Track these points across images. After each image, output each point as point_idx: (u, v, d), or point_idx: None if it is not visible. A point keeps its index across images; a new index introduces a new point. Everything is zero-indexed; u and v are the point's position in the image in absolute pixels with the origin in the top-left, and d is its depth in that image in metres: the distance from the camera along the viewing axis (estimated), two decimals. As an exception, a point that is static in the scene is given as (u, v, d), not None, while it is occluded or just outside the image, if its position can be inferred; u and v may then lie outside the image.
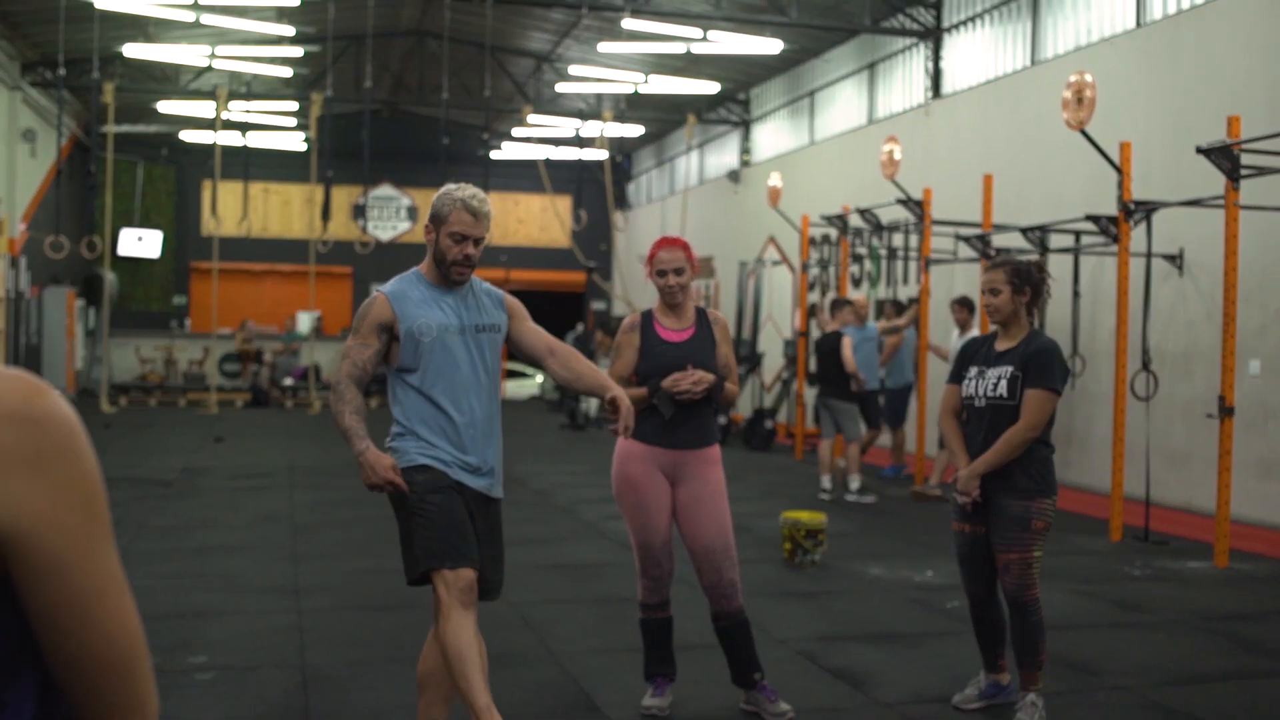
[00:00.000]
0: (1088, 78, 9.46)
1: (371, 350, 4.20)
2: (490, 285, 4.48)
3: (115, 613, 1.21)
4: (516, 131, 26.06)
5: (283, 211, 29.18)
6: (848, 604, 7.35)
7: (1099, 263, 12.32)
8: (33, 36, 19.30)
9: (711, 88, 22.11)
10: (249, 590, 7.41)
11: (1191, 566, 8.67)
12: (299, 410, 22.19)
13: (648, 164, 30.22)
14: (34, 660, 1.20)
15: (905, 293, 15.83)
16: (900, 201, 12.79)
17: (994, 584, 5.17)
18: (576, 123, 23.27)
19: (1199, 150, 8.64)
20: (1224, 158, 8.50)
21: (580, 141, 23.31)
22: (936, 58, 16.64)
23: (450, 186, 4.32)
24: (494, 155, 25.55)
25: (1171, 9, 12.11)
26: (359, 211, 26.56)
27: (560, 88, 23.38)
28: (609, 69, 21.59)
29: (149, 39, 19.72)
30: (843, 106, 19.71)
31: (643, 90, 22.64)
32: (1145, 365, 10.13)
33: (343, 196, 26.60)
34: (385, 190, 29.23)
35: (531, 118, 22.53)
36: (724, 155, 25.07)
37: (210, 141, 21.63)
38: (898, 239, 15.41)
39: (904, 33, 16.96)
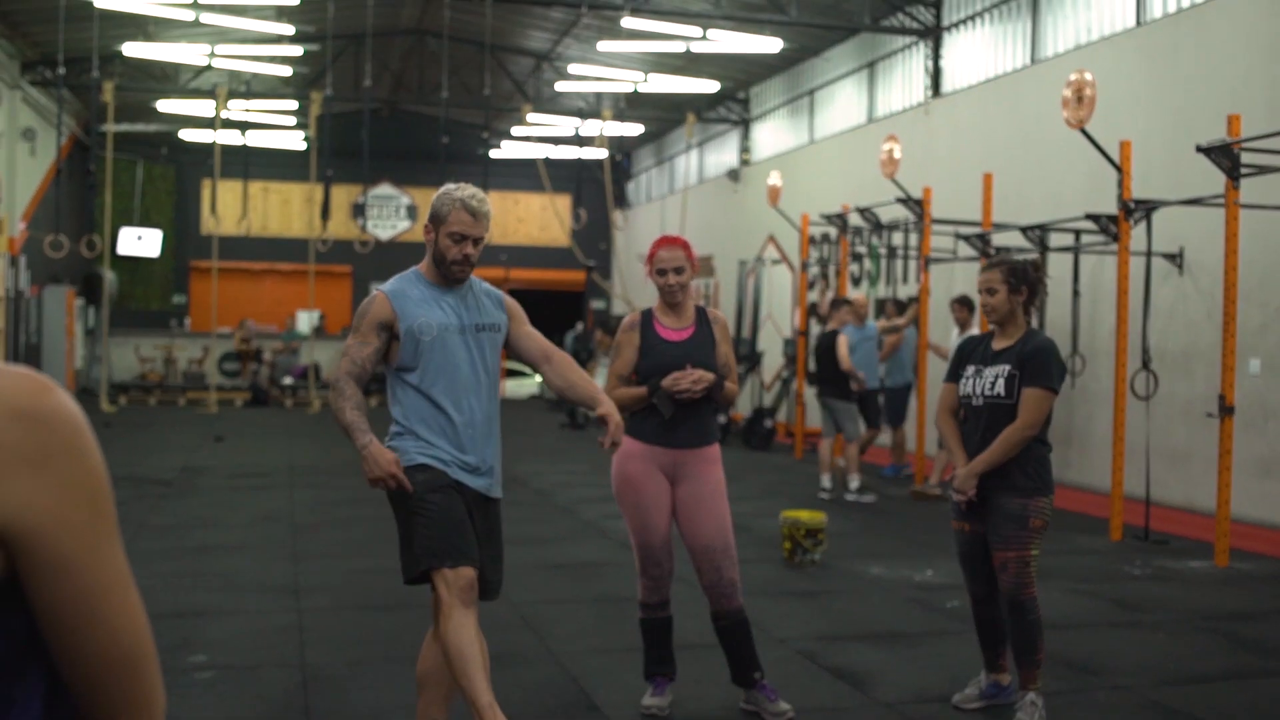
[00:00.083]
0: (1088, 76, 9.46)
1: (371, 348, 4.20)
2: (489, 285, 4.48)
3: (122, 610, 1.21)
4: (516, 130, 26.06)
5: (282, 210, 29.18)
6: (848, 603, 7.35)
7: (1099, 262, 12.32)
8: (32, 35, 19.29)
9: (711, 86, 22.11)
10: (249, 589, 7.41)
11: (1192, 566, 8.67)
12: (299, 409, 22.19)
13: (647, 163, 30.22)
14: (41, 658, 1.21)
15: (905, 292, 15.82)
16: (900, 200, 12.78)
17: (995, 583, 5.17)
18: (576, 122, 23.27)
19: (1199, 149, 8.64)
20: (1224, 156, 8.50)
21: (580, 140, 23.30)
22: (936, 56, 16.63)
23: (449, 186, 4.32)
24: (493, 154, 25.56)
25: (1171, 8, 12.10)
26: (358, 210, 26.57)
27: (560, 86, 23.37)
28: (608, 68, 21.59)
29: (149, 38, 19.72)
30: (842, 105, 19.70)
31: (642, 89, 22.64)
32: (1145, 364, 10.13)
33: (342, 195, 26.60)
34: (385, 189, 29.22)
35: (531, 117, 22.52)
36: (724, 154, 25.07)
37: (210, 140, 21.64)
38: (897, 238, 15.40)
39: (904, 31, 16.96)
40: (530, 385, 28.03)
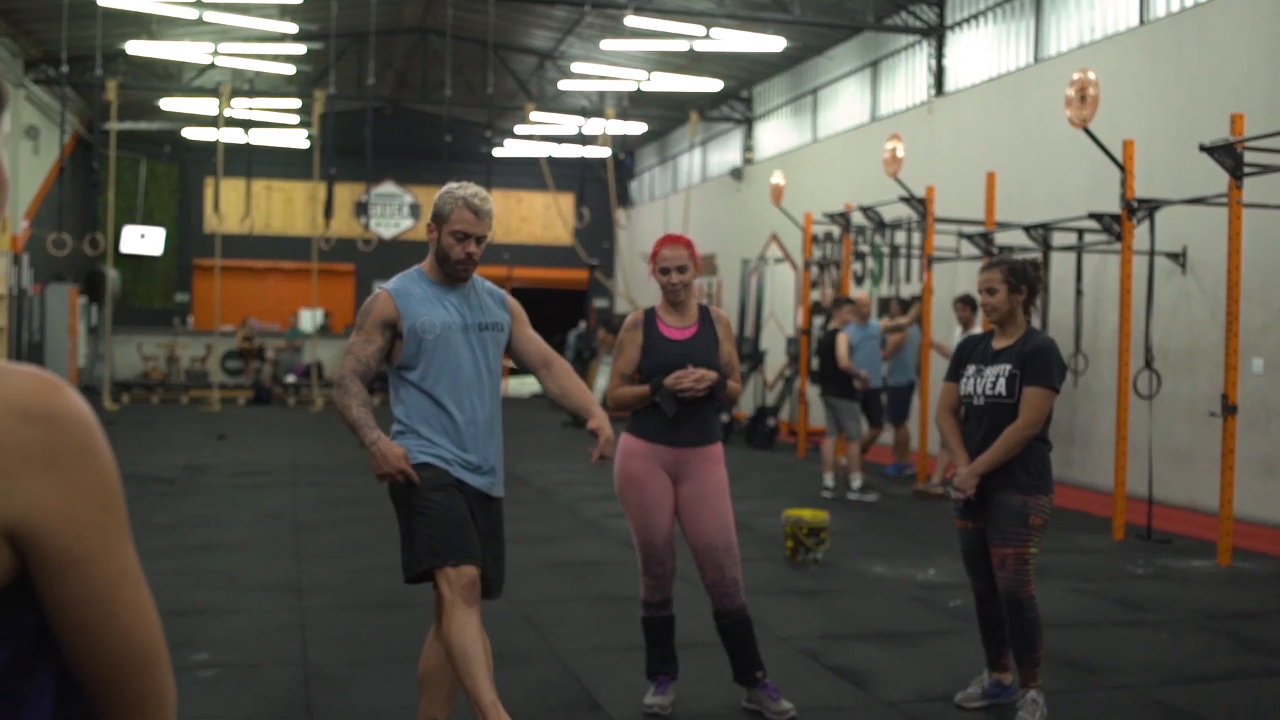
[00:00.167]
0: (1091, 75, 9.45)
1: (375, 346, 4.20)
2: (492, 284, 4.47)
3: (133, 608, 1.23)
4: (519, 129, 26.07)
5: (285, 209, 29.21)
6: (850, 602, 7.35)
7: (1102, 261, 12.31)
8: (36, 34, 19.31)
9: (714, 85, 22.10)
10: (251, 588, 7.41)
11: (1194, 565, 8.67)
12: (301, 408, 22.21)
13: (650, 161, 30.22)
14: (52, 655, 1.21)
15: (908, 291, 15.82)
16: (903, 199, 12.78)
17: (997, 581, 5.18)
18: (579, 120, 23.26)
19: (1202, 148, 8.63)
20: (1227, 155, 8.49)
21: (583, 139, 23.30)
22: (939, 55, 16.63)
23: (452, 185, 4.31)
24: (497, 153, 25.55)
25: (1175, 7, 12.09)
26: (361, 209, 26.58)
27: (563, 85, 23.36)
28: (612, 66, 21.58)
29: (152, 36, 19.73)
30: (845, 104, 19.70)
31: (645, 88, 22.63)
32: (1148, 363, 10.12)
33: (345, 194, 26.60)
34: (388, 188, 29.22)
35: (534, 115, 22.52)
36: (727, 153, 25.06)
37: (213, 139, 21.66)
38: (900, 237, 15.39)
39: (907, 30, 16.95)
40: (532, 384, 28.03)
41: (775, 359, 19.38)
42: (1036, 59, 14.39)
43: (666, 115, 25.52)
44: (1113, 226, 10.16)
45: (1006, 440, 4.97)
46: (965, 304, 11.49)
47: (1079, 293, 12.18)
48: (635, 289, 26.05)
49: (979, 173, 12.89)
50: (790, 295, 19.64)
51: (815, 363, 12.46)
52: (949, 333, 13.69)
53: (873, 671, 5.78)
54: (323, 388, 22.26)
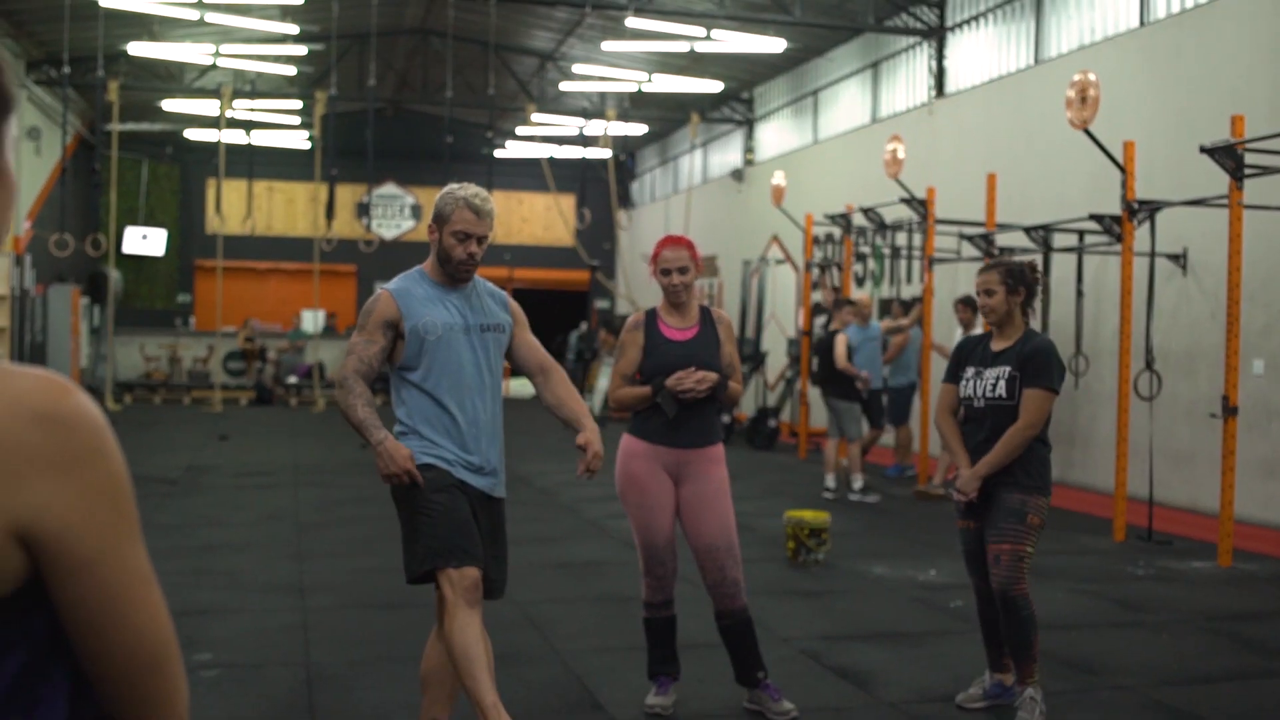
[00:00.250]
0: (1091, 77, 9.46)
1: (378, 347, 4.20)
2: (493, 286, 4.48)
3: (145, 609, 1.23)
4: (520, 130, 26.08)
5: (287, 210, 29.22)
6: (851, 603, 7.36)
7: (1102, 262, 12.32)
8: (38, 35, 19.32)
9: (715, 86, 22.11)
10: (253, 588, 7.43)
11: (1195, 566, 8.67)
12: (303, 408, 22.23)
13: (651, 163, 30.23)
14: (65, 656, 1.22)
15: (909, 292, 15.83)
16: (904, 200, 12.79)
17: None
18: (580, 121, 23.28)
19: (1203, 149, 8.64)
20: (1228, 157, 8.50)
21: (584, 140, 23.31)
22: (940, 57, 16.64)
23: (453, 186, 4.32)
24: (498, 154, 25.57)
25: (1175, 8, 12.11)
26: (363, 210, 26.58)
27: (564, 86, 23.37)
28: (613, 68, 21.59)
29: (154, 37, 19.75)
30: (846, 105, 19.71)
31: (646, 89, 22.64)
32: (1149, 365, 10.13)
33: (347, 195, 26.61)
34: (389, 189, 29.24)
35: (535, 116, 22.54)
36: (728, 154, 25.07)
37: (215, 140, 21.68)
38: (901, 238, 15.40)
39: (907, 31, 16.96)
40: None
41: (776, 360, 19.40)
42: (1037, 60, 14.40)
43: (667, 116, 25.53)
44: (1113, 228, 10.16)
45: (1008, 442, 4.99)
46: (966, 305, 11.50)
47: (1079, 294, 12.19)
48: (636, 290, 26.06)
49: (979, 174, 12.91)
50: (791, 296, 19.65)
51: (815, 363, 12.46)
52: (950, 334, 13.70)
53: (874, 672, 5.79)
54: (324, 388, 22.27)
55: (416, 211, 29.48)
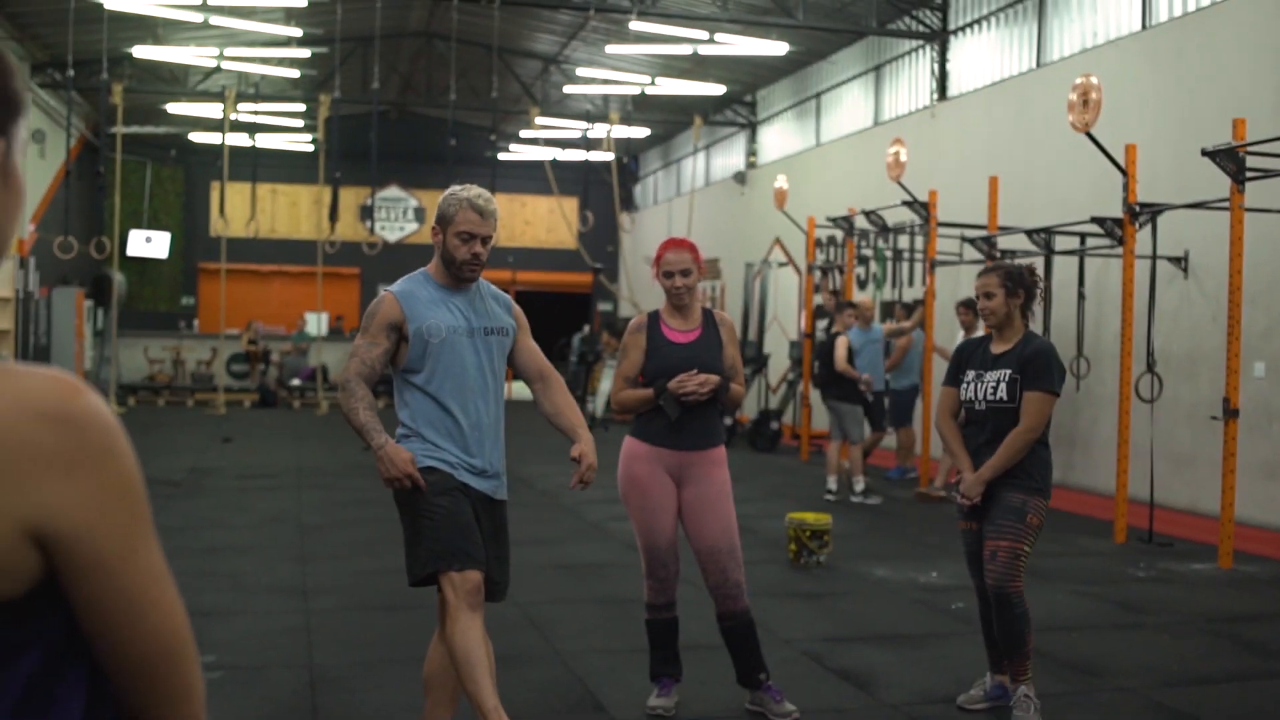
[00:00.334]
0: (1093, 80, 9.48)
1: (381, 349, 4.20)
2: (497, 289, 4.49)
3: (160, 606, 1.24)
4: (524, 133, 26.10)
5: (290, 212, 29.26)
6: (853, 605, 7.38)
7: (1104, 265, 12.33)
8: (42, 38, 19.37)
9: (718, 90, 22.13)
10: (256, 590, 7.44)
11: (1196, 568, 8.69)
12: (306, 411, 22.25)
13: (654, 165, 30.25)
14: (81, 655, 1.23)
15: (911, 295, 15.84)
16: (906, 203, 12.80)
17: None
18: (583, 124, 23.30)
19: (1204, 152, 8.65)
20: (1229, 160, 8.51)
21: (587, 143, 23.34)
22: (942, 60, 16.66)
23: (455, 187, 4.31)
24: (501, 157, 25.59)
25: (1177, 11, 12.13)
26: (366, 213, 26.62)
27: (567, 89, 23.40)
28: (616, 71, 21.62)
29: (158, 40, 19.78)
30: (849, 108, 19.73)
31: (649, 92, 22.66)
32: (1150, 367, 10.14)
33: (350, 198, 26.62)
34: (393, 191, 29.28)
35: (539, 119, 22.56)
36: (730, 157, 25.09)
37: (218, 142, 21.72)
38: (903, 241, 15.42)
39: (910, 35, 16.98)
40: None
41: (779, 363, 19.41)
42: (1039, 63, 14.42)
43: (670, 119, 25.56)
44: (1115, 231, 10.17)
45: (1010, 445, 5.01)
46: (968, 308, 11.50)
47: (1081, 297, 12.19)
48: (639, 292, 26.07)
49: (981, 177, 12.92)
50: (794, 299, 19.66)
51: (816, 366, 12.47)
52: (951, 337, 13.70)
53: (875, 673, 5.81)
54: (328, 391, 22.30)
55: (420, 214, 29.52)
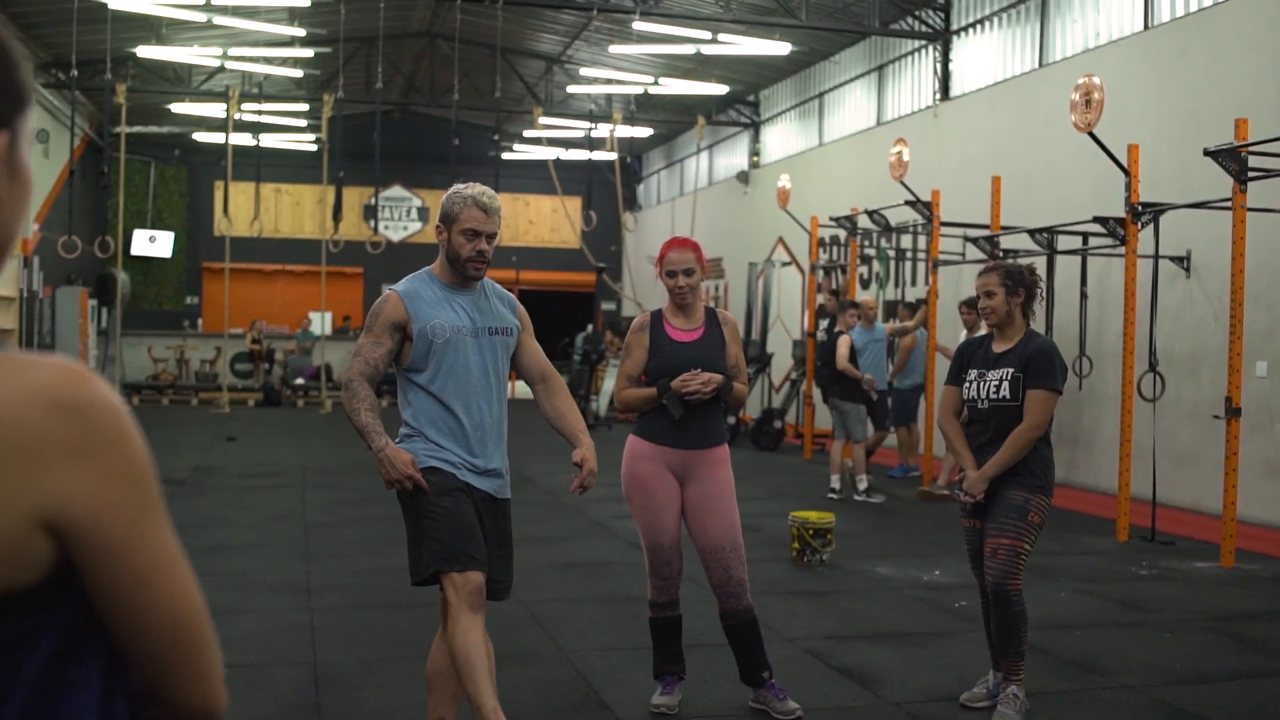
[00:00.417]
0: (1096, 80, 9.49)
1: (384, 349, 4.19)
2: (502, 288, 4.49)
3: (175, 587, 1.26)
4: (527, 133, 26.10)
5: (294, 212, 29.30)
6: (856, 603, 7.39)
7: (1106, 264, 12.34)
8: (45, 38, 19.39)
9: (721, 89, 22.14)
10: (260, 589, 7.46)
11: (1198, 566, 8.70)
12: (311, 410, 22.27)
13: (657, 165, 30.26)
14: (96, 639, 1.25)
15: (913, 294, 15.86)
16: (909, 203, 12.81)
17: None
18: (587, 124, 23.32)
19: (1206, 152, 8.67)
20: (1231, 160, 8.53)
21: (590, 143, 23.35)
22: (945, 60, 16.67)
23: (459, 186, 4.31)
24: (504, 156, 25.60)
25: (1179, 11, 12.14)
26: (370, 212, 26.64)
27: (571, 89, 23.42)
28: (619, 71, 21.63)
29: (161, 40, 19.81)
30: (852, 108, 19.74)
31: (653, 92, 22.68)
32: (1152, 366, 10.15)
33: (354, 197, 26.66)
34: (396, 191, 29.31)
35: (542, 119, 22.58)
36: (733, 157, 25.10)
37: (222, 142, 21.75)
38: (906, 240, 15.43)
39: (913, 35, 16.99)
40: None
41: (782, 362, 19.42)
42: (1041, 63, 14.43)
43: (673, 119, 25.57)
44: (1117, 230, 10.18)
45: (1013, 443, 5.03)
46: (970, 308, 11.51)
47: (1084, 296, 12.20)
48: (642, 292, 26.09)
49: (984, 176, 12.93)
50: (797, 298, 19.68)
51: (818, 365, 12.48)
52: (954, 336, 13.72)
53: (878, 672, 5.82)
54: (332, 390, 22.32)
55: (423, 214, 29.56)
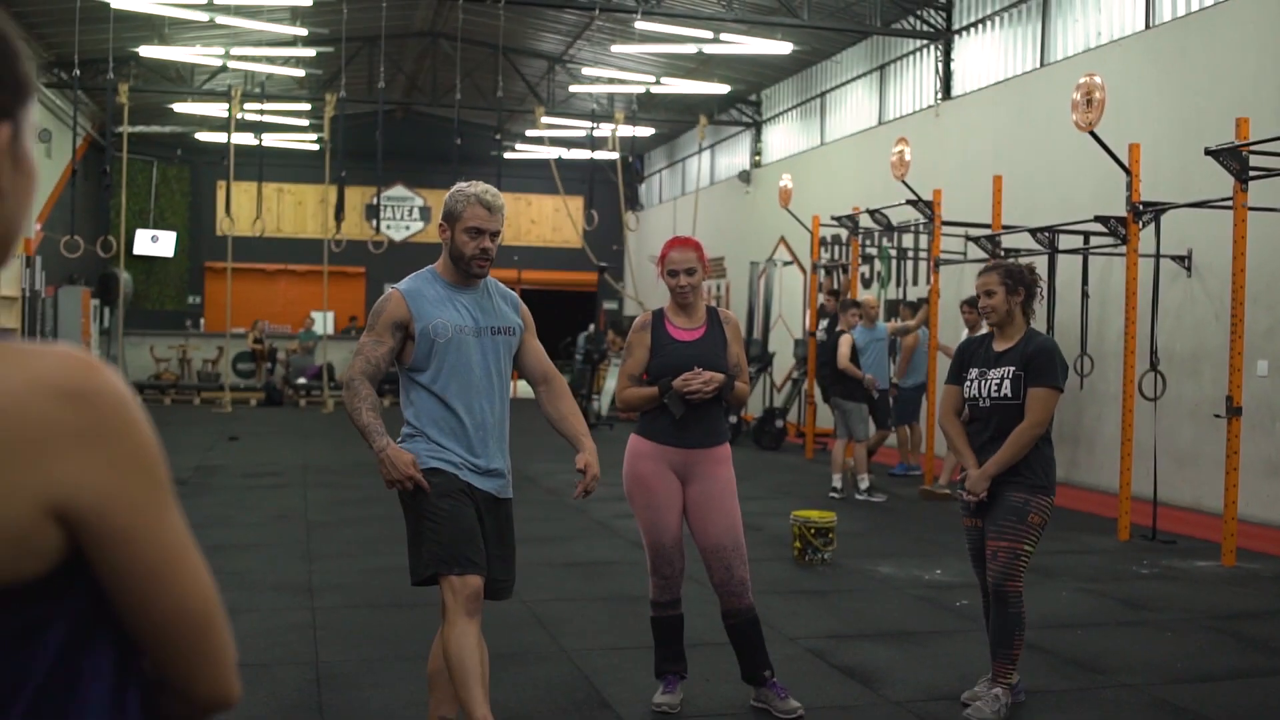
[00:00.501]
0: (1097, 79, 9.49)
1: (386, 348, 4.19)
2: (505, 288, 4.48)
3: (186, 574, 1.26)
4: (529, 132, 26.10)
5: (296, 212, 29.31)
6: (857, 602, 7.40)
7: (1108, 264, 12.35)
8: (48, 37, 19.41)
9: (723, 89, 22.15)
10: (262, 588, 7.47)
11: (1199, 565, 8.70)
12: (313, 409, 22.28)
13: (659, 164, 30.27)
14: (107, 628, 1.25)
15: (915, 293, 15.86)
16: (910, 202, 12.82)
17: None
18: (589, 124, 23.32)
19: (1208, 152, 8.67)
20: (1232, 159, 8.53)
21: (592, 142, 23.35)
22: (947, 59, 16.67)
23: (461, 184, 4.30)
24: (507, 156, 25.60)
25: (1181, 11, 12.14)
26: (372, 212, 26.64)
27: (573, 89, 23.43)
28: (621, 70, 21.64)
29: (164, 40, 19.82)
30: (853, 107, 19.74)
31: (654, 91, 22.68)
32: (1153, 366, 10.16)
33: (356, 197, 26.69)
34: (398, 191, 29.32)
35: (544, 119, 22.59)
36: (735, 156, 25.11)
37: (224, 142, 21.77)
38: (908, 239, 15.44)
39: (914, 34, 16.99)
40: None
41: (784, 361, 19.42)
42: (1043, 63, 14.43)
43: (675, 119, 25.58)
44: (1118, 230, 10.19)
45: (1015, 441, 5.04)
46: (972, 307, 11.53)
47: (1085, 295, 12.21)
48: (644, 291, 26.10)
49: (986, 176, 12.94)
50: (798, 297, 19.68)
51: (820, 364, 12.49)
52: (956, 335, 13.72)
53: (880, 671, 5.83)
54: (334, 389, 22.33)
55: (425, 213, 29.58)
